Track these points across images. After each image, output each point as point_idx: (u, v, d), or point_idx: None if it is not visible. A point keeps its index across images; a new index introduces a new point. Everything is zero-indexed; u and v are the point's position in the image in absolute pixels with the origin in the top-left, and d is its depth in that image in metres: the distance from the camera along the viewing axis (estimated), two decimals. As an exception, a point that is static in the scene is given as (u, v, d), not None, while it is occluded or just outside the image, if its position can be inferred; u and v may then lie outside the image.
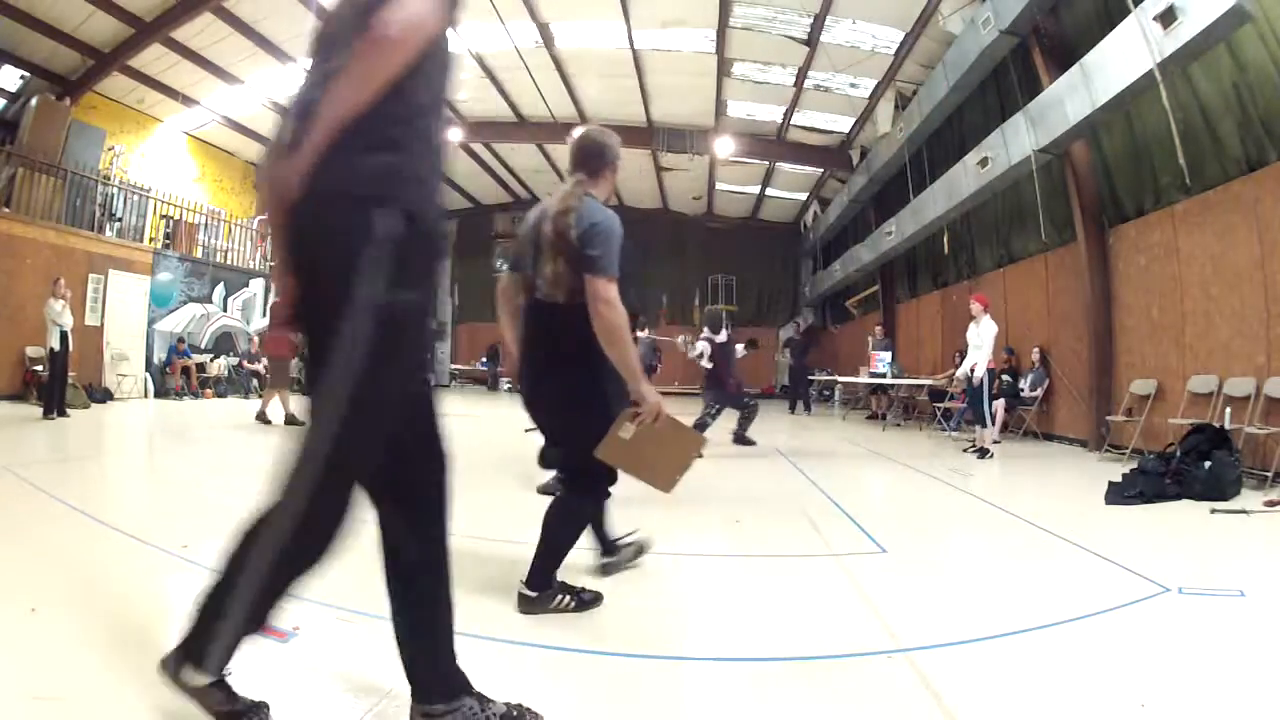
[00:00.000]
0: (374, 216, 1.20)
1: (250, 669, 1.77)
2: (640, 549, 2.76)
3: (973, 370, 6.67)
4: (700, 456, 2.35)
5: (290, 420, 7.71)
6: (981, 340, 6.60)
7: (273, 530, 1.29)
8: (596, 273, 1.99)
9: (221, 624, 1.33)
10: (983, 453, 6.59)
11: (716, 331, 7.05)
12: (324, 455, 1.26)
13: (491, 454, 6.80)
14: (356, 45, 1.19)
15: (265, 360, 8.79)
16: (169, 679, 1.39)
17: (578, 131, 2.33)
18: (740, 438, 6.97)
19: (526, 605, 2.24)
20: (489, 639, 2.02)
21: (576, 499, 2.32)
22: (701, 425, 6.68)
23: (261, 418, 7.92)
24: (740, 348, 8.02)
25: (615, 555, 2.67)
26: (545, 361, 2.21)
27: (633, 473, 2.23)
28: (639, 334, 10.05)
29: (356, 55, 1.19)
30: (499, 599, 2.34)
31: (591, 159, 2.24)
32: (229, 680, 1.44)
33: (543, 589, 2.26)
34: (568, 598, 2.29)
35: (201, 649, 1.35)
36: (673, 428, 2.21)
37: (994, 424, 6.84)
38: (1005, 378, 8.16)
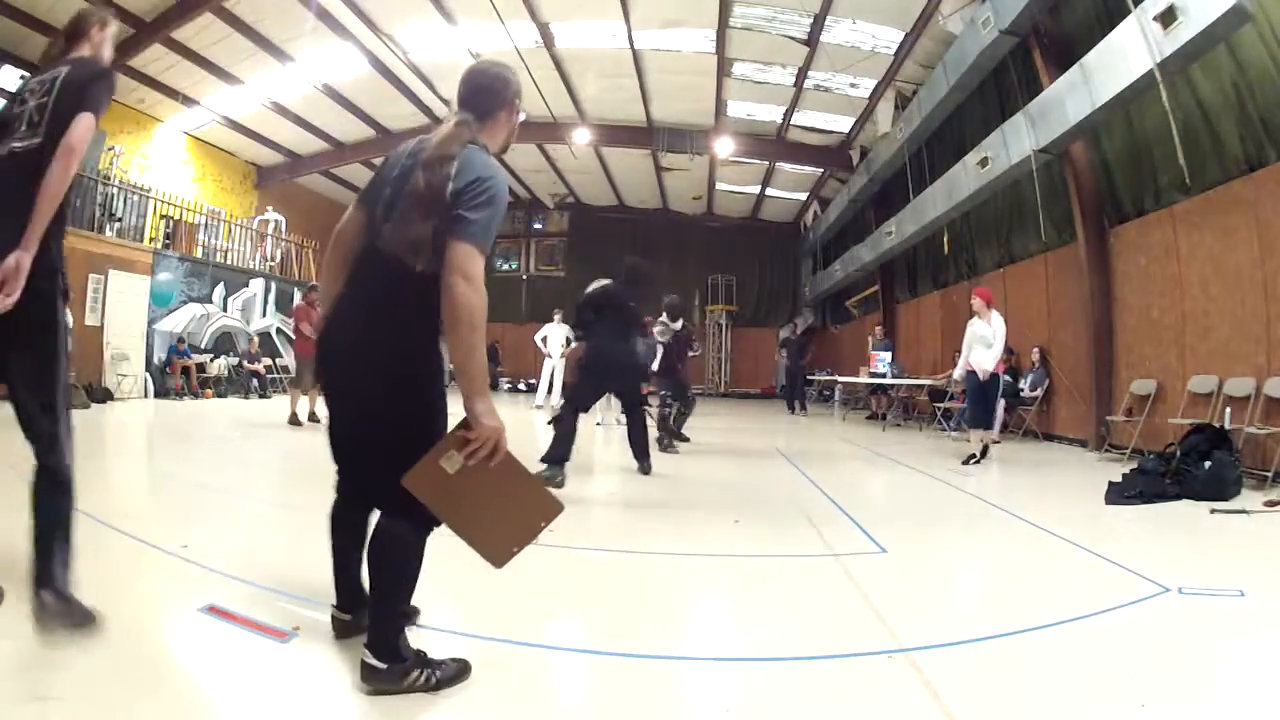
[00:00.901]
0: (63, 278, 1.89)
1: (250, 669, 1.78)
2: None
3: (974, 369, 6.29)
4: (548, 528, 1.70)
5: (294, 420, 7.71)
6: (993, 337, 6.15)
7: (66, 475, 1.87)
8: (466, 238, 1.54)
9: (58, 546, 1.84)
10: (984, 451, 6.34)
11: (675, 320, 7.08)
12: (66, 407, 1.91)
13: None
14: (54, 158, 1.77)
15: (293, 359, 8.82)
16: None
17: (470, 64, 1.86)
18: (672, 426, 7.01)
19: (371, 678, 1.64)
20: (488, 639, 2.02)
21: (400, 524, 1.66)
22: (662, 419, 6.65)
23: (313, 417, 7.91)
24: (694, 343, 8.17)
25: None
26: (372, 328, 1.65)
27: (450, 521, 1.65)
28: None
29: (54, 166, 1.75)
30: (497, 598, 2.34)
31: (481, 95, 1.75)
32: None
33: (392, 660, 1.64)
34: (423, 673, 1.66)
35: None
36: (518, 477, 1.68)
37: (996, 426, 6.65)
38: (1005, 378, 8.09)
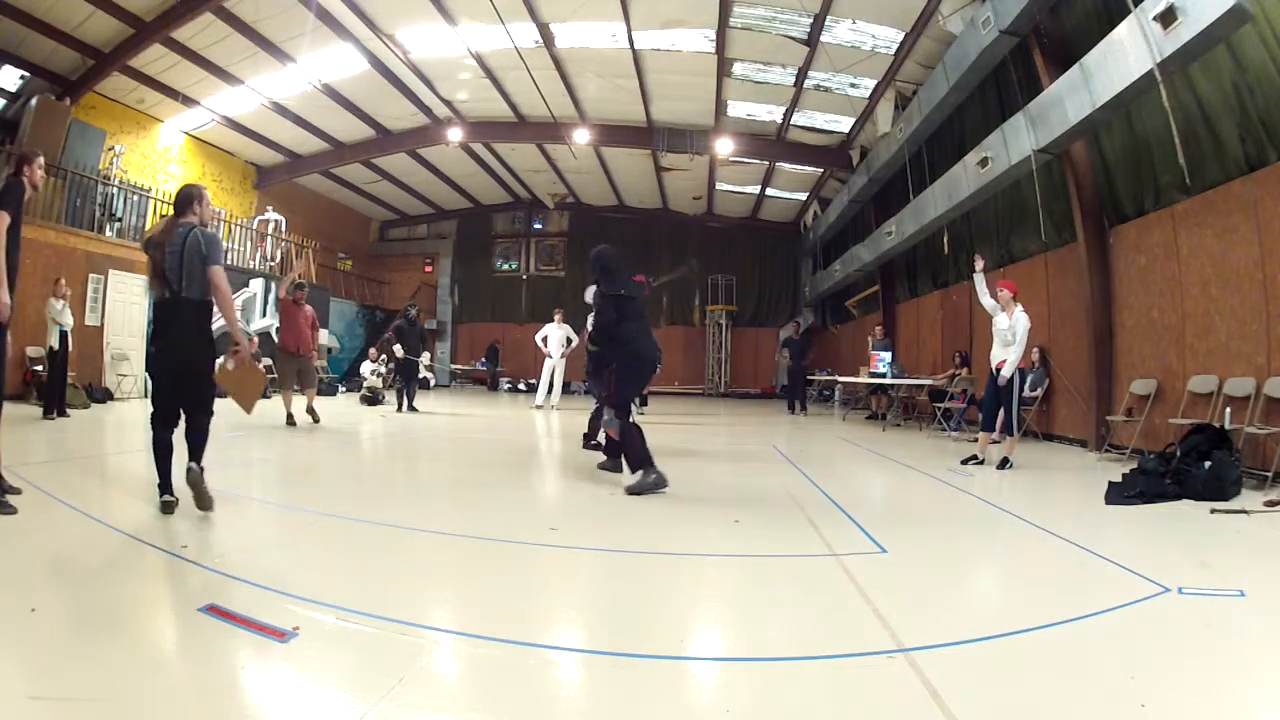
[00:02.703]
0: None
1: (250, 669, 1.78)
2: None
3: (998, 369, 5.85)
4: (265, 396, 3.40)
5: (290, 421, 7.71)
6: (1015, 334, 5.76)
7: None
8: (218, 264, 3.42)
9: None
10: (1004, 463, 5.84)
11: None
12: None
13: (490, 455, 6.80)
14: None
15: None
16: None
17: (178, 189, 3.65)
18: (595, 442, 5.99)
19: (198, 478, 3.32)
20: (488, 639, 2.03)
21: (204, 417, 3.49)
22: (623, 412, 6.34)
23: (312, 413, 7.93)
24: None
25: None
26: (197, 337, 3.47)
27: (232, 393, 3.88)
28: None
29: None
30: (497, 598, 2.34)
31: (186, 203, 3.52)
32: None
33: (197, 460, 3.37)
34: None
35: None
36: (253, 371, 4.01)
37: (1018, 430, 6.04)
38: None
